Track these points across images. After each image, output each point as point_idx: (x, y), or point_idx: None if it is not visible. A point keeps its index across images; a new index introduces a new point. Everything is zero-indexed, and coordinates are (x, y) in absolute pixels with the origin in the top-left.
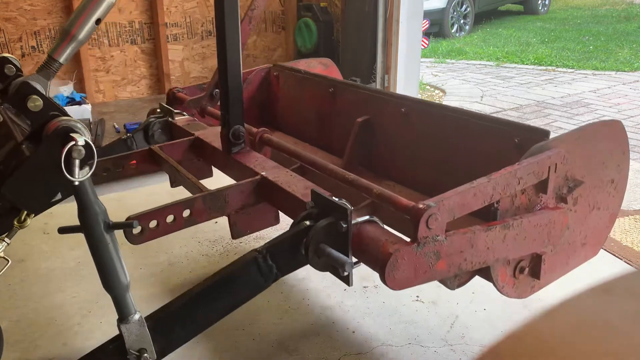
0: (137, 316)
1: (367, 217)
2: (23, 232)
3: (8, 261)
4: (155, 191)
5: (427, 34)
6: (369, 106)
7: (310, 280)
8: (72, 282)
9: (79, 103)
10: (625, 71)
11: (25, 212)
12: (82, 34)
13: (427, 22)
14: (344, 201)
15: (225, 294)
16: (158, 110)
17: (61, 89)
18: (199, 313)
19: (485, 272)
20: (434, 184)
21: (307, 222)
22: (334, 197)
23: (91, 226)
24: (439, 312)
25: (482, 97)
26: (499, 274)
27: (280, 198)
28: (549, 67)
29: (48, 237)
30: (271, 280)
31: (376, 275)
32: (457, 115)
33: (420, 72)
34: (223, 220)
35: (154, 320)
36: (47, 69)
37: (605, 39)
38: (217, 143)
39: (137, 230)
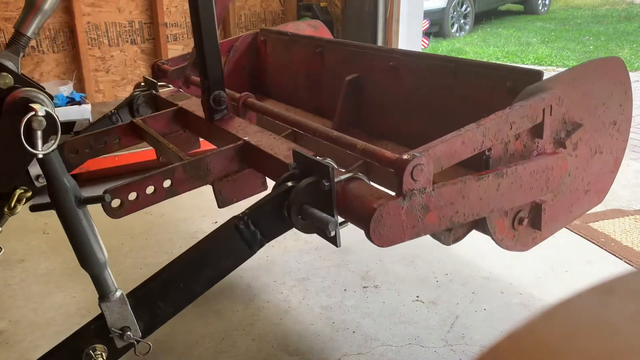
0: (118, 294)
1: (350, 174)
2: (23, 233)
3: (1, 249)
4: None
5: (427, 34)
6: (357, 63)
7: (310, 280)
8: (72, 282)
9: (79, 103)
10: None
11: (15, 199)
12: (47, 5)
13: (427, 22)
14: (328, 160)
15: (208, 264)
16: (142, 84)
17: (61, 89)
18: (182, 286)
19: (482, 225)
20: (429, 138)
21: (289, 183)
22: (317, 157)
23: (61, 201)
24: (439, 312)
25: None
26: (496, 225)
27: (263, 162)
28: (549, 67)
29: (48, 237)
30: (257, 246)
31: (376, 275)
32: (446, 64)
33: None
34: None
35: (136, 297)
36: (16, 44)
37: (605, 39)
38: (200, 112)
39: (115, 203)
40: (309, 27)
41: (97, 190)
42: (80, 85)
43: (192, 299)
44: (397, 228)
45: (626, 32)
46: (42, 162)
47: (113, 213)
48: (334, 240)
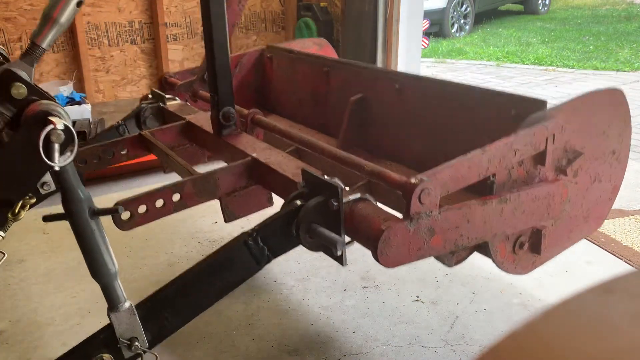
0: (127, 304)
1: (358, 195)
2: (23, 233)
3: (4, 254)
4: None
5: (427, 34)
6: (363, 84)
7: (310, 280)
8: (72, 282)
9: (79, 103)
10: (625, 71)
11: (19, 205)
12: (63, 17)
13: (427, 22)
14: (336, 180)
15: (216, 278)
16: (150, 96)
17: (61, 89)
18: (190, 299)
19: (484, 248)
20: (431, 160)
21: (298, 202)
22: (326, 176)
23: (76, 213)
24: (439, 312)
25: None
26: (498, 249)
27: (271, 179)
28: (550, 67)
29: (48, 237)
30: (264, 262)
31: (376, 275)
32: (452, 89)
33: (420, 72)
34: (223, 220)
35: (145, 308)
36: (31, 55)
37: (605, 39)
38: (208, 126)
39: (125, 215)
40: (315, 45)
41: (97, 191)
42: (80, 85)
43: (199, 312)
44: (403, 249)
45: (626, 32)
46: (58, 174)
47: (122, 225)
48: (340, 259)
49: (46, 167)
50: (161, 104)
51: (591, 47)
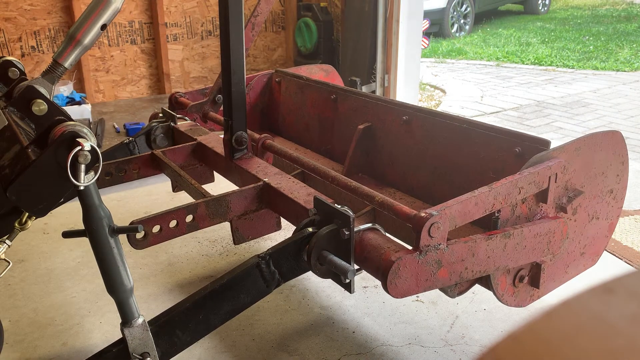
0: (140, 320)
1: (369, 225)
2: (23, 233)
3: (9, 263)
4: (155, 191)
5: (427, 34)
6: (370, 113)
7: (310, 280)
8: (72, 282)
9: (79, 103)
10: (625, 71)
11: (27, 215)
12: (87, 39)
13: (427, 22)
14: (346, 208)
15: (228, 298)
16: (160, 114)
17: (61, 89)
18: (201, 317)
19: (485, 280)
20: (435, 191)
21: (310, 229)
22: (336, 204)
23: (96, 230)
24: (439, 312)
25: (482, 97)
26: (499, 282)
27: (282, 204)
28: (549, 67)
29: (48, 237)
30: (273, 286)
31: None
32: (458, 124)
33: (420, 72)
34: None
35: (157, 324)
36: (52, 73)
37: (605, 39)
38: (219, 148)
39: (140, 235)
40: (321, 71)
41: None
42: (80, 85)
43: (209, 331)
44: (411, 281)
45: (626, 32)
46: (81, 192)
47: (136, 244)
48: (349, 287)
49: (71, 186)
50: (172, 124)
51: (591, 47)
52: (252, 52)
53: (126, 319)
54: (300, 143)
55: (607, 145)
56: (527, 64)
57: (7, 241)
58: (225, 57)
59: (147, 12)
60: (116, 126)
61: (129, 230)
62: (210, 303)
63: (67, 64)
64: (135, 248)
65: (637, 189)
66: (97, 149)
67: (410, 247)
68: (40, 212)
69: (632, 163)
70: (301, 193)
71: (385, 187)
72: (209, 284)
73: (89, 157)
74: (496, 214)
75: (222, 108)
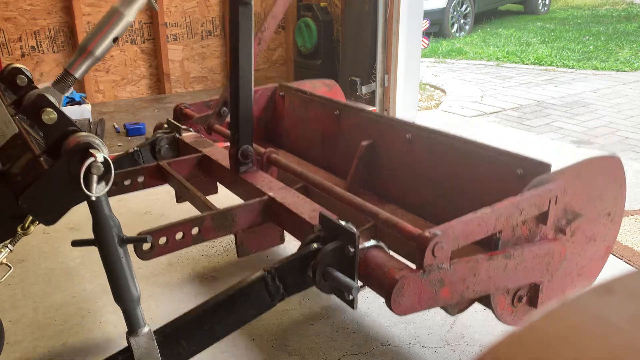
0: (146, 329)
1: (374, 242)
2: None
3: (10, 268)
4: (155, 192)
5: (427, 34)
6: (373, 130)
7: None
8: (72, 282)
9: (79, 103)
10: (625, 71)
11: (30, 220)
12: (98, 51)
13: (427, 22)
14: (350, 224)
15: (233, 310)
16: (165, 125)
17: None
18: (207, 328)
19: (485, 299)
20: (436, 209)
21: (315, 245)
22: (341, 221)
23: (105, 240)
24: (439, 312)
25: (482, 97)
26: (498, 302)
27: (287, 219)
28: (549, 67)
29: (48, 237)
30: (277, 299)
31: None
32: (461, 144)
33: (420, 72)
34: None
35: (163, 334)
36: (63, 82)
37: (605, 39)
38: (224, 161)
39: (146, 246)
40: (324, 86)
41: None
42: (80, 85)
43: (214, 342)
44: (414, 299)
45: (626, 32)
46: (92, 202)
47: (143, 255)
48: (352, 303)
49: (83, 196)
50: (177, 135)
51: (591, 47)
52: None
53: (132, 328)
54: (303, 157)
55: (605, 170)
56: (527, 64)
57: (9, 246)
58: (234, 73)
59: (147, 12)
60: (116, 126)
61: (138, 241)
62: (215, 314)
63: (77, 74)
64: (142, 259)
65: (637, 189)
66: (109, 160)
67: (411, 264)
68: (50, 220)
69: (632, 163)
70: (306, 208)
71: (386, 204)
72: (216, 295)
73: (102, 168)
74: (498, 235)
75: (227, 120)
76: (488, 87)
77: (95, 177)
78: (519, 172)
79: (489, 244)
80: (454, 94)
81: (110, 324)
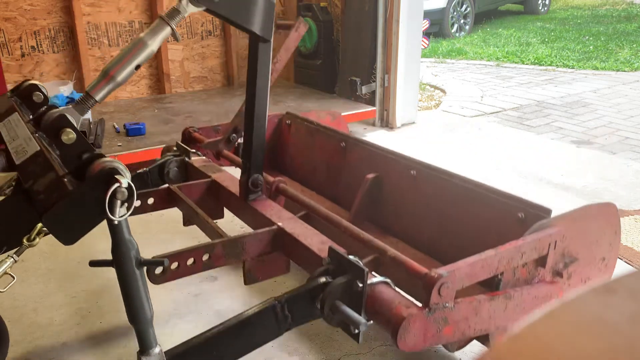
0: (157, 350)
1: (381, 279)
2: None
3: (14, 278)
4: None
5: (427, 34)
6: (379, 164)
7: None
8: (72, 282)
9: None
10: (625, 71)
11: (36, 232)
12: (120, 77)
13: (427, 22)
14: (357, 259)
15: (242, 336)
16: (174, 148)
17: (61, 89)
18: (215, 352)
19: (483, 338)
20: (439, 246)
21: (324, 279)
22: (350, 256)
23: (124, 262)
24: None
25: (482, 97)
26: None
27: (295, 250)
28: (549, 67)
29: (48, 237)
30: (284, 329)
31: None
32: (464, 185)
33: (420, 72)
34: (222, 221)
35: (173, 355)
36: (83, 104)
37: (605, 39)
38: (233, 188)
39: (158, 270)
40: (329, 116)
41: None
42: (80, 85)
43: None
44: (419, 336)
45: (626, 32)
46: (113, 225)
47: (155, 279)
48: (357, 337)
49: (105, 219)
50: (186, 159)
51: (591, 47)
52: None
53: (144, 348)
54: (307, 185)
55: (602, 216)
56: (527, 64)
57: (14, 256)
58: (250, 104)
59: (147, 12)
60: (116, 126)
61: (155, 264)
62: (225, 339)
63: (98, 98)
64: (154, 283)
65: (637, 188)
66: (132, 186)
67: (412, 299)
68: (70, 240)
69: (632, 163)
70: (315, 240)
71: (389, 237)
72: (227, 321)
73: (126, 193)
74: (499, 276)
75: (235, 145)
76: (488, 87)
77: (119, 202)
78: (521, 216)
79: (489, 284)
80: (454, 94)
81: (111, 324)
